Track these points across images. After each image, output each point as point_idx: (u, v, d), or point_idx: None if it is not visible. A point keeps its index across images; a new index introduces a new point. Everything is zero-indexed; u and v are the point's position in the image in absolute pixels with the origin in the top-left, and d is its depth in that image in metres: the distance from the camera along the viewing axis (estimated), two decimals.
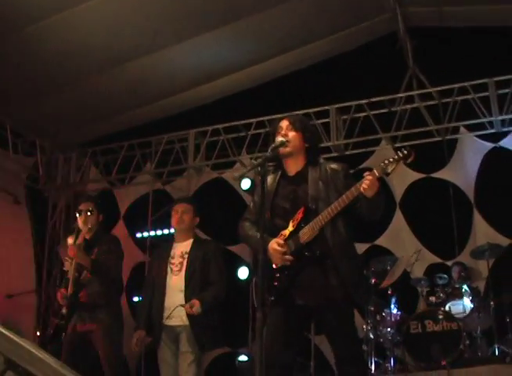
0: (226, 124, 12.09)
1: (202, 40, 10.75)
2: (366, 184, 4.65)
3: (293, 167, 5.21)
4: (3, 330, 3.01)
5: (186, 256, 6.85)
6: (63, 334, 6.80)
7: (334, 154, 11.37)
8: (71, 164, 12.92)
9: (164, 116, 12.55)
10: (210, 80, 11.89)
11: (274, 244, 4.93)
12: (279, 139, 5.07)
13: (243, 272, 10.54)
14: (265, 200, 4.59)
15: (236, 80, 12.01)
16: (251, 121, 11.94)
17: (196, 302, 6.54)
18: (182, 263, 6.83)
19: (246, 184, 11.42)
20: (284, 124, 5.22)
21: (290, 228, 4.98)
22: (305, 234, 4.88)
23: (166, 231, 11.89)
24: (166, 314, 6.69)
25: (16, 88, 10.79)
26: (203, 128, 12.29)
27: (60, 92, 11.14)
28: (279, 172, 5.14)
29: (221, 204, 11.61)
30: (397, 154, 4.67)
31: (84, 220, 7.19)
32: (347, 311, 5.08)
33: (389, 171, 4.65)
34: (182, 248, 6.95)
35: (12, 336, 2.99)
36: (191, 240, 7.00)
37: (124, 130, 12.70)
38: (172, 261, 6.90)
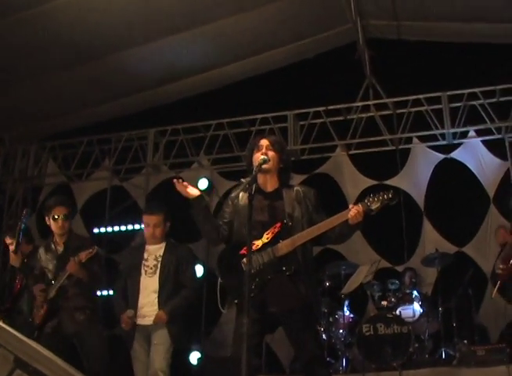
0: (186, 125, 12.29)
1: (167, 42, 10.94)
2: (354, 213, 5.06)
3: (269, 184, 5.56)
4: (12, 330, 3.20)
5: (160, 259, 7.03)
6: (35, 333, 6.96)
7: (291, 158, 11.58)
8: (30, 158, 12.96)
9: (124, 114, 12.68)
10: (172, 81, 12.09)
11: None
12: (262, 156, 5.39)
13: (197, 270, 10.71)
14: (252, 214, 4.88)
15: (198, 82, 12.18)
16: (211, 122, 12.17)
17: (161, 317, 6.77)
18: (156, 266, 7.00)
19: (203, 184, 11.65)
20: (265, 143, 5.54)
21: (265, 239, 5.28)
22: (282, 249, 5.21)
23: (123, 227, 12.00)
24: (140, 313, 6.87)
25: None
26: (163, 127, 12.48)
27: (23, 85, 11.15)
28: (253, 187, 5.23)
29: (177, 203, 11.77)
30: (382, 196, 5.09)
31: (60, 226, 7.32)
32: (314, 316, 5.48)
33: (372, 208, 5.08)
34: (155, 251, 7.10)
35: (21, 336, 3.18)
36: (164, 244, 7.15)
37: (84, 126, 12.79)
38: (146, 263, 7.05)
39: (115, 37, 10.54)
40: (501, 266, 5.58)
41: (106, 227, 12.14)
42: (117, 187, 12.69)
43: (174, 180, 5.57)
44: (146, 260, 7.07)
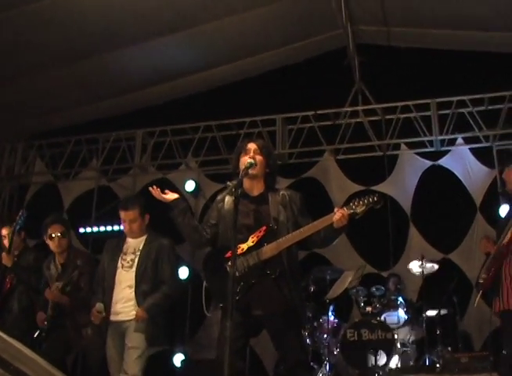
0: (174, 126, 12.28)
1: (157, 43, 10.93)
2: (338, 216, 5.05)
3: (255, 188, 5.54)
4: None
5: (138, 253, 6.80)
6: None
7: (278, 162, 11.50)
8: (17, 156, 12.90)
9: (113, 114, 12.64)
10: (162, 82, 12.07)
11: None
12: (248, 160, 5.36)
13: (182, 272, 10.73)
14: (237, 218, 4.85)
15: (186, 84, 12.20)
16: (199, 124, 12.16)
17: (142, 315, 6.54)
18: (133, 260, 6.76)
19: (190, 186, 11.66)
20: (252, 146, 5.52)
21: (250, 243, 5.28)
22: (267, 252, 5.20)
23: (109, 228, 11.96)
24: (114, 309, 6.66)
25: None
26: (151, 128, 12.46)
27: (12, 83, 11.10)
28: (239, 191, 5.16)
29: (164, 204, 11.73)
30: (367, 199, 5.09)
31: (57, 244, 7.36)
32: (299, 320, 5.46)
33: (358, 211, 5.09)
34: (134, 245, 6.87)
35: (3, 335, 3.17)
36: (144, 237, 6.92)
37: (72, 125, 12.74)
38: (124, 257, 6.82)
39: (105, 36, 10.50)
40: (483, 276, 5.63)
41: (92, 227, 12.11)
42: (104, 187, 12.66)
43: (150, 188, 5.66)
44: (125, 253, 6.85)
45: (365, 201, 5.07)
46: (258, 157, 5.43)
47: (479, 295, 5.79)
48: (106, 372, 6.84)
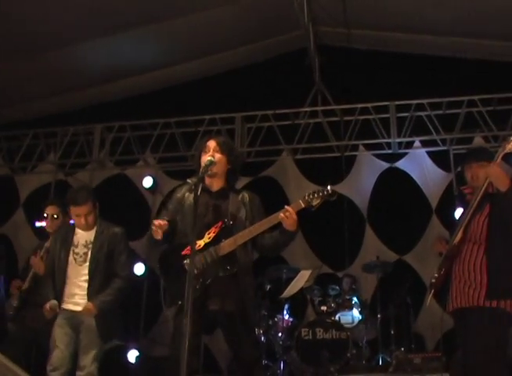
0: (133, 122, 12.20)
1: (119, 38, 10.91)
2: (284, 213, 5.10)
3: (215, 184, 5.54)
4: None
5: (91, 246, 6.58)
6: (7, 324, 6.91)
7: (241, 158, 11.48)
8: None
9: (72, 108, 12.58)
10: (122, 77, 12.08)
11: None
12: (208, 158, 5.35)
13: (138, 268, 10.71)
14: (197, 215, 4.83)
15: (147, 80, 12.21)
16: (158, 121, 12.11)
17: (90, 309, 6.37)
18: (86, 253, 6.55)
19: (148, 182, 11.63)
20: (212, 144, 5.51)
21: (206, 239, 5.28)
22: (224, 248, 5.23)
23: None
24: (70, 300, 6.46)
25: None
26: (110, 123, 12.38)
27: None
28: (199, 189, 4.99)
29: (121, 200, 11.68)
30: (322, 192, 5.15)
31: (49, 225, 7.37)
32: (253, 318, 5.50)
33: (313, 204, 5.15)
34: (86, 236, 6.63)
35: None
36: (95, 228, 6.68)
37: (31, 118, 12.64)
38: (76, 250, 6.59)
39: (65, 30, 10.44)
40: (435, 275, 5.72)
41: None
42: (62, 182, 12.49)
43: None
44: (76, 246, 6.61)
45: (320, 194, 5.14)
46: (218, 155, 5.41)
47: (431, 294, 5.85)
48: None
